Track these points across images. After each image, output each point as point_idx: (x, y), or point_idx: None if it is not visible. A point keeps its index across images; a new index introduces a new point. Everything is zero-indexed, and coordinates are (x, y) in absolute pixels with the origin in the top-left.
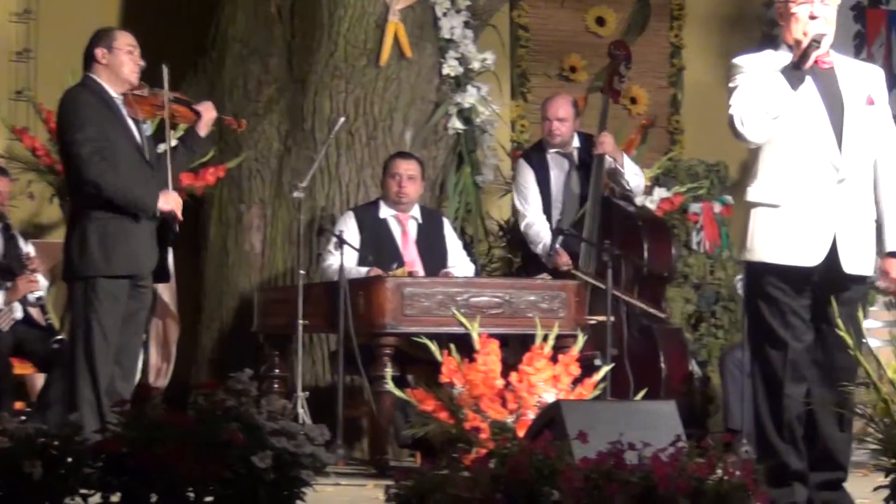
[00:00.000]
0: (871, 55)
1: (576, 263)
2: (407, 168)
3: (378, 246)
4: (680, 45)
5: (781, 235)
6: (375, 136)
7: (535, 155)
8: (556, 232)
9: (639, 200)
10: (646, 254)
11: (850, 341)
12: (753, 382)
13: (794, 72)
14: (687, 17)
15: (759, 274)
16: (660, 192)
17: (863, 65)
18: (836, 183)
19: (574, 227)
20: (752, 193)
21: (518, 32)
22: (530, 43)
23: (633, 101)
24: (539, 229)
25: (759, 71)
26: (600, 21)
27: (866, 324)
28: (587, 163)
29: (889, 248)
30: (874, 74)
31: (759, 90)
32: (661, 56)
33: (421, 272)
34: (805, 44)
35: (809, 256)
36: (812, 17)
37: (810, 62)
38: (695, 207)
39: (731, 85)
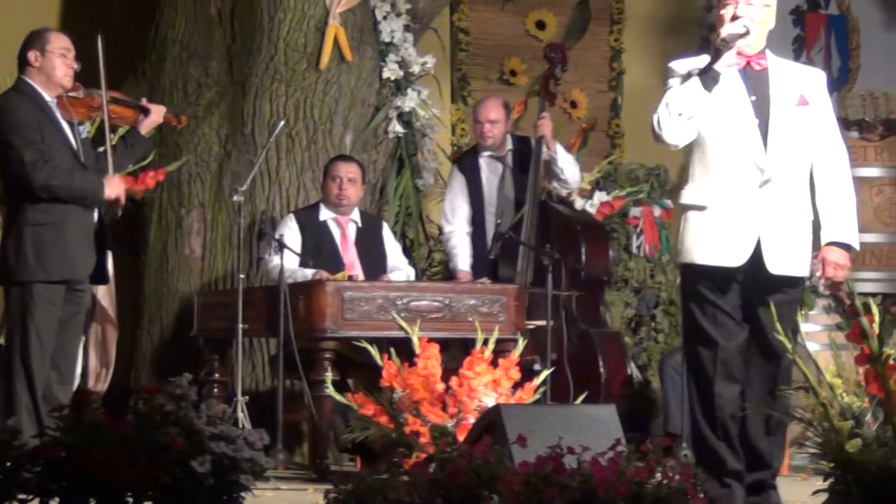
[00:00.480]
0: (810, 59)
1: (513, 267)
2: (348, 171)
3: (318, 249)
4: (620, 49)
5: (707, 236)
6: (316, 140)
7: (467, 159)
8: (496, 236)
9: (578, 204)
10: (583, 258)
11: (787, 344)
12: (688, 383)
13: (709, 72)
14: (627, 21)
15: (690, 275)
16: (600, 196)
17: (802, 67)
18: (761, 184)
19: (512, 231)
20: (684, 196)
21: (458, 36)
22: (470, 46)
23: (573, 104)
24: (455, 244)
25: (682, 76)
26: (540, 25)
27: (805, 327)
28: (522, 165)
29: (828, 239)
30: (813, 76)
31: (674, 92)
32: (601, 60)
33: (361, 275)
34: (717, 43)
35: (733, 257)
36: (735, 18)
37: (727, 62)
38: (635, 211)
39: (664, 88)
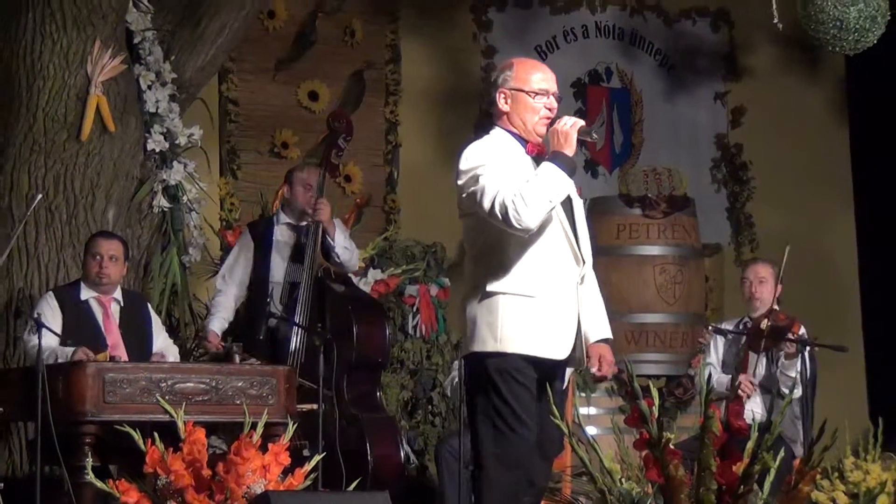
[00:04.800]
0: None
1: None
2: (109, 248)
3: (80, 329)
4: (396, 122)
5: (536, 327)
6: (76, 214)
7: (262, 227)
8: (267, 315)
9: (353, 282)
10: (355, 339)
11: (564, 429)
12: (483, 476)
13: (566, 159)
14: (403, 93)
15: (507, 364)
16: (374, 274)
17: None
18: (580, 276)
19: (287, 310)
20: (502, 284)
21: (227, 107)
22: (240, 118)
23: (348, 178)
24: (219, 303)
25: (502, 158)
26: (313, 95)
27: (587, 410)
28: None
29: (599, 336)
30: None
31: (542, 179)
32: (376, 133)
33: (125, 357)
34: (573, 137)
35: (560, 350)
36: (550, 109)
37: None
38: (411, 290)
39: (477, 172)
